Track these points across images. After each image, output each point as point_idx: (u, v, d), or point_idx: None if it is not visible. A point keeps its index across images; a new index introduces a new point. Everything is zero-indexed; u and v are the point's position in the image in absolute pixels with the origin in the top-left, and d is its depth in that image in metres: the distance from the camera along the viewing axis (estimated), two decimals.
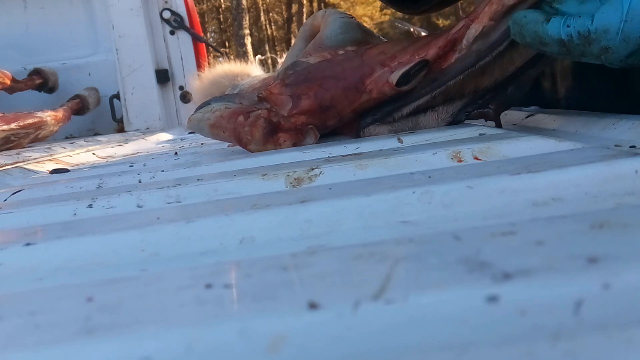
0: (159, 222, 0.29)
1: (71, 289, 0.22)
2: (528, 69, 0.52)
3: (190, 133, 1.33)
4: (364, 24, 0.73)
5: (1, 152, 1.09)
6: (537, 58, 0.51)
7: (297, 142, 0.55)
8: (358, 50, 0.59)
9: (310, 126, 0.56)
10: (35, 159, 0.92)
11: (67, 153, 0.98)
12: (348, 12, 0.74)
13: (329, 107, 0.55)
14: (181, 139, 1.17)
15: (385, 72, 0.55)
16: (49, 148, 1.09)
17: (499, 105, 0.54)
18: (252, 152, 0.56)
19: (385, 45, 0.58)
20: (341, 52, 0.64)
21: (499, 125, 0.54)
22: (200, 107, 0.59)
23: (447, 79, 0.53)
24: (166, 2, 1.83)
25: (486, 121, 0.55)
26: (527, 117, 0.60)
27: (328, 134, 0.59)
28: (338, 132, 0.60)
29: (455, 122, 0.55)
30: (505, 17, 0.50)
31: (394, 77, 0.54)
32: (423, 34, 3.88)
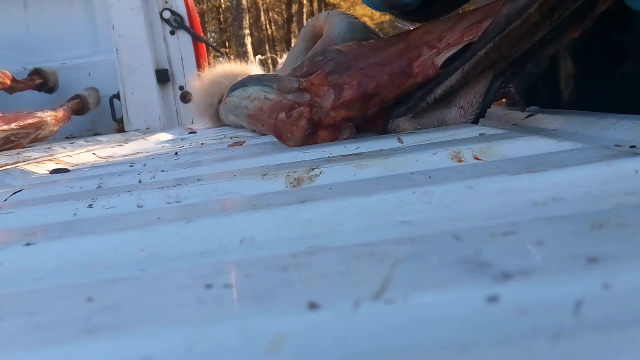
0: (159, 222, 0.29)
1: (71, 289, 0.22)
2: (547, 43, 0.51)
3: (190, 133, 1.33)
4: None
5: (1, 152, 1.09)
6: (559, 29, 0.50)
7: (334, 138, 0.55)
8: (400, 34, 0.57)
9: (349, 124, 0.55)
10: (35, 159, 0.92)
11: (67, 153, 0.98)
12: (348, 13, 0.74)
13: (373, 95, 0.54)
14: (181, 139, 1.17)
15: (432, 55, 0.53)
16: (49, 148, 1.09)
17: (519, 83, 0.53)
18: (290, 147, 0.55)
19: (429, 25, 0.56)
20: (370, 41, 0.63)
21: (521, 102, 0.54)
22: (235, 87, 0.56)
23: (477, 47, 0.51)
24: (166, 2, 1.83)
25: (508, 100, 0.54)
26: (527, 117, 0.60)
27: None
28: (362, 128, 0.59)
29: (481, 113, 0.54)
30: None
31: (440, 60, 0.52)
32: None
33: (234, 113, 0.56)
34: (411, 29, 0.58)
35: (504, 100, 0.68)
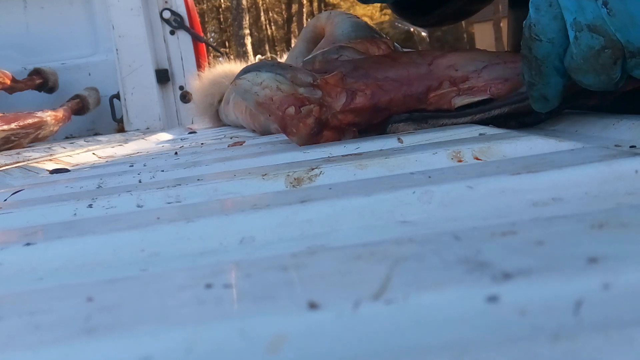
0: (159, 222, 0.29)
1: (71, 289, 0.22)
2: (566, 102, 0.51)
3: (190, 133, 1.33)
4: None
5: (1, 152, 1.09)
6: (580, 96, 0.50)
7: (337, 139, 0.55)
8: (425, 56, 0.57)
9: (354, 129, 0.54)
10: (35, 159, 0.92)
11: (67, 153, 0.98)
12: (348, 12, 0.74)
13: (383, 109, 0.54)
14: (181, 139, 1.17)
15: (452, 92, 0.53)
16: (49, 148, 1.09)
17: (528, 120, 0.53)
18: (293, 142, 0.55)
19: (456, 58, 0.55)
20: (382, 45, 0.63)
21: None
22: (248, 70, 0.54)
23: (494, 106, 0.52)
24: (166, 2, 1.83)
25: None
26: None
27: None
28: (361, 129, 0.58)
29: (480, 123, 0.54)
30: None
31: (459, 102, 0.53)
32: (423, 33, 3.87)
33: (243, 97, 0.55)
34: (436, 52, 0.57)
35: None
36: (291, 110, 0.53)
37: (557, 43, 0.41)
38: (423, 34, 3.70)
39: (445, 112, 0.54)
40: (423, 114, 0.54)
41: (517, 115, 0.53)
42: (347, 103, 0.53)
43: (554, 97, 0.45)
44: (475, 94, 0.53)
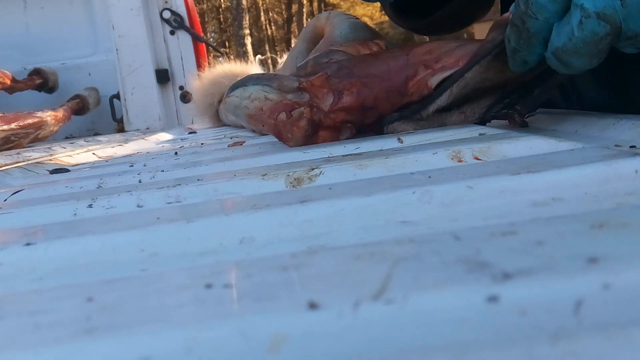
0: (159, 222, 0.29)
1: (71, 289, 0.22)
2: (555, 72, 0.49)
3: (190, 133, 1.33)
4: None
5: (1, 152, 1.09)
6: None
7: (334, 139, 0.55)
8: (404, 48, 0.57)
9: (349, 125, 0.54)
10: (35, 159, 0.92)
11: (67, 153, 0.98)
12: (348, 13, 0.74)
13: (371, 108, 0.54)
14: (181, 139, 1.17)
15: (427, 75, 0.53)
16: (49, 148, 1.09)
17: (525, 107, 0.52)
18: (290, 147, 0.55)
19: (432, 45, 0.56)
20: (374, 46, 0.63)
21: (524, 127, 0.53)
22: (235, 87, 0.55)
23: (465, 69, 0.51)
24: (166, 2, 1.83)
25: (510, 124, 0.53)
26: (527, 117, 0.60)
27: None
28: (360, 129, 0.59)
29: (482, 122, 0.54)
30: None
31: (434, 82, 0.53)
32: None
33: (234, 113, 0.56)
34: (416, 43, 0.58)
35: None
36: (282, 116, 0.53)
37: (552, 21, 0.42)
38: None
39: (428, 98, 0.54)
40: (411, 108, 0.54)
41: (517, 100, 0.52)
42: (334, 103, 0.53)
43: (534, 62, 0.46)
44: (447, 70, 0.53)
